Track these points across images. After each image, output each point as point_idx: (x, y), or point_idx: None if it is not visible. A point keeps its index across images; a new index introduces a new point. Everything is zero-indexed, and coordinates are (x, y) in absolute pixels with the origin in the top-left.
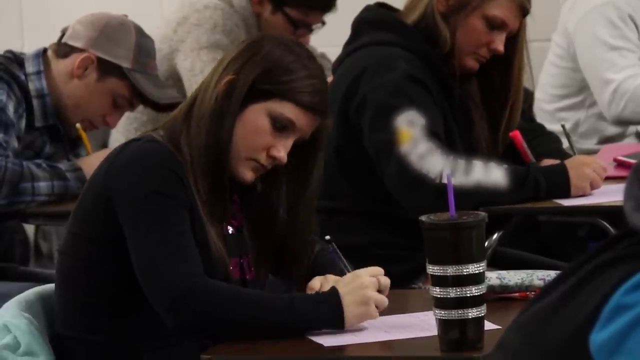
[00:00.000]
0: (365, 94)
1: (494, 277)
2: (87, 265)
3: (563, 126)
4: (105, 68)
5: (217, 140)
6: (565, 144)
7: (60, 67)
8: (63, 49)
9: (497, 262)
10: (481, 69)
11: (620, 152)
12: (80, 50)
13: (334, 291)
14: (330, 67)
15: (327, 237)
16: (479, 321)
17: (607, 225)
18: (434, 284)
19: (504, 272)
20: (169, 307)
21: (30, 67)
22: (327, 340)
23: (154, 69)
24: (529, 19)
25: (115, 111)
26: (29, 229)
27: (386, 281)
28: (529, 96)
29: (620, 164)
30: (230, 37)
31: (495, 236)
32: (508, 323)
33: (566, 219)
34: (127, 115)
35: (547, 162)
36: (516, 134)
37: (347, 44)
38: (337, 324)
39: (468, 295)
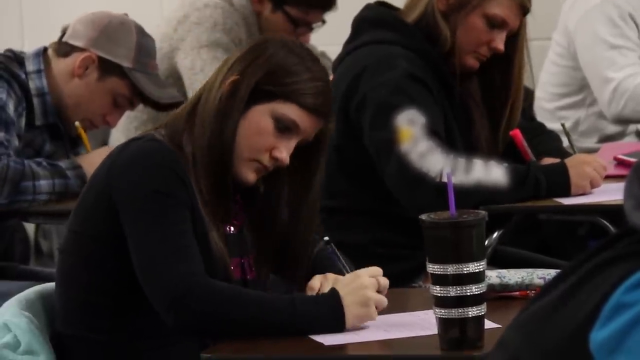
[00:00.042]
0: (366, 93)
1: (494, 275)
2: (88, 264)
3: (563, 125)
4: (106, 67)
5: (221, 140)
6: (565, 142)
7: (60, 66)
8: (64, 48)
9: (498, 261)
10: (481, 67)
11: (621, 151)
12: (81, 50)
13: (334, 292)
14: (330, 65)
15: (326, 238)
16: (479, 320)
17: (608, 224)
18: (434, 283)
19: (504, 271)
20: (169, 306)
21: (30, 66)
22: (327, 339)
23: (155, 69)
24: (529, 18)
25: (115, 110)
26: (29, 227)
27: (385, 282)
28: (529, 95)
29: (620, 163)
30: (231, 35)
31: (495, 235)
32: (508, 322)
33: (566, 217)
34: (128, 114)
35: (548, 160)
36: (516, 133)
37: (348, 42)
38: (338, 324)
39: (468, 294)
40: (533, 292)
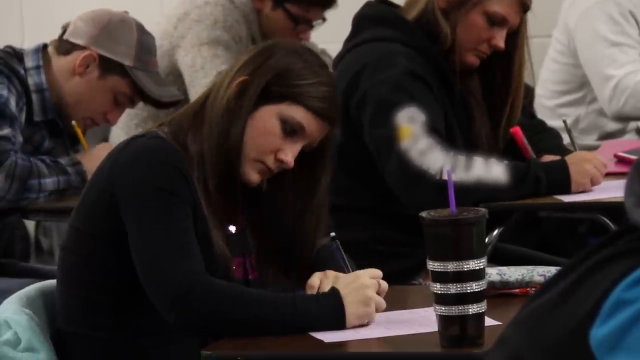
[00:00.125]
0: (366, 90)
1: (494, 273)
2: (90, 262)
3: (565, 122)
4: (107, 66)
5: (229, 139)
6: (565, 139)
7: (61, 63)
8: (64, 46)
9: (498, 258)
10: (482, 65)
11: (621, 148)
12: (82, 48)
13: (335, 291)
14: (330, 63)
15: (332, 234)
16: (479, 317)
17: (608, 221)
18: (435, 280)
19: (504, 268)
20: (170, 305)
21: (29, 62)
22: (328, 336)
23: (155, 66)
24: (529, 15)
25: (116, 108)
26: (30, 225)
27: (385, 285)
28: (529, 92)
29: (620, 160)
30: (231, 33)
31: (495, 232)
32: (508, 319)
33: (567, 215)
34: (128, 112)
35: (548, 158)
36: (517, 130)
37: (348, 40)
38: (339, 323)
39: (468, 291)
40: (533, 289)
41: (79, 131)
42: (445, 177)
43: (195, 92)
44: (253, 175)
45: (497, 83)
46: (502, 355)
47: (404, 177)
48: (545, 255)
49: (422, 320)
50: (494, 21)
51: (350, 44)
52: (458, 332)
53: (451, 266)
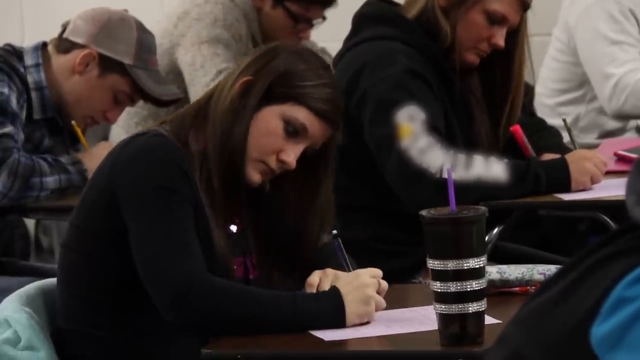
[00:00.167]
0: (366, 89)
1: (494, 271)
2: (90, 260)
3: (564, 120)
4: (107, 64)
5: (233, 138)
6: (565, 138)
7: (61, 62)
8: (64, 45)
9: (498, 257)
10: (482, 63)
11: (621, 147)
12: (82, 46)
13: (335, 290)
14: (330, 62)
15: (334, 232)
16: (479, 315)
17: (608, 220)
18: (435, 279)
19: (504, 267)
20: (171, 303)
21: (29, 60)
22: (327, 335)
23: (155, 65)
24: (529, 13)
25: (116, 107)
26: (30, 223)
27: (385, 285)
28: (529, 90)
29: (620, 159)
30: (231, 31)
31: (495, 230)
32: (508, 317)
33: (566, 213)
34: (128, 110)
35: (548, 156)
36: (517, 129)
37: (348, 38)
38: (339, 322)
39: (468, 289)
40: (533, 287)
41: (78, 131)
42: (445, 175)
43: (195, 90)
44: (255, 176)
45: (497, 81)
46: (503, 353)
47: (404, 176)
48: (545, 253)
49: (422, 319)
50: (494, 20)
51: (350, 42)
52: (458, 331)
53: (451, 264)
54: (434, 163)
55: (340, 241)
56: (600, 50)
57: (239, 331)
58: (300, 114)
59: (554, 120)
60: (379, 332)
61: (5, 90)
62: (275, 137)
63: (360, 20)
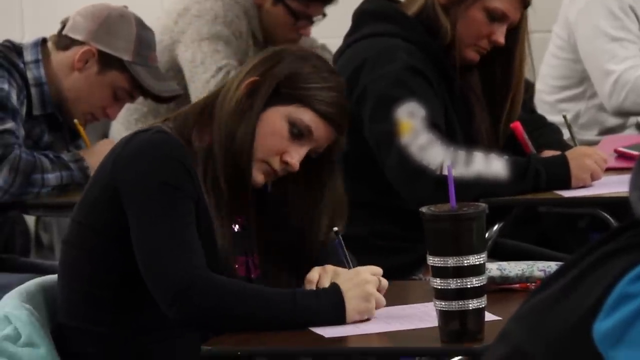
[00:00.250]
0: (366, 85)
1: (494, 268)
2: (92, 256)
3: (565, 117)
4: (106, 61)
5: (239, 139)
6: (566, 135)
7: (60, 59)
8: (63, 41)
9: (498, 254)
10: (482, 60)
11: (621, 143)
12: (81, 43)
13: (335, 287)
14: (331, 58)
15: (335, 229)
16: (479, 312)
17: (608, 217)
18: (435, 275)
19: (504, 263)
20: (171, 299)
21: (28, 56)
22: (328, 331)
23: (154, 61)
24: (529, 10)
25: (115, 103)
26: (30, 220)
27: (385, 283)
28: (529, 87)
29: (620, 155)
30: (231, 28)
31: (495, 227)
32: (508, 314)
33: (567, 210)
34: (128, 107)
35: (548, 153)
36: (517, 125)
37: (348, 35)
38: (339, 319)
39: (468, 286)
40: (533, 284)
41: (81, 129)
42: (445, 172)
43: (195, 87)
44: (258, 176)
45: (498, 78)
46: (504, 349)
47: (404, 173)
48: (545, 250)
49: (422, 316)
50: (494, 17)
51: (351, 39)
52: (458, 327)
53: (451, 261)
54: (434, 160)
55: (341, 238)
56: (601, 46)
57: (239, 328)
58: (306, 115)
59: (554, 117)
60: (379, 329)
61: (5, 86)
62: (280, 138)
63: (361, 16)
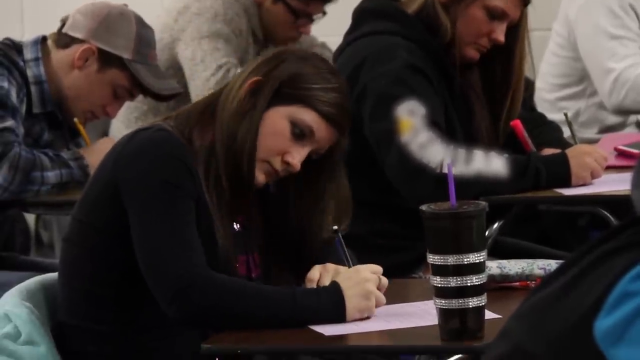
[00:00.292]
0: (366, 83)
1: (494, 266)
2: (93, 254)
3: (566, 115)
4: (106, 59)
5: (241, 138)
6: (566, 133)
7: (60, 57)
8: (63, 40)
9: (498, 252)
10: (482, 58)
11: (621, 142)
12: (81, 41)
13: (335, 285)
14: (330, 56)
15: (335, 227)
16: (479, 310)
17: (608, 215)
18: (435, 274)
19: (504, 262)
20: (171, 298)
21: (28, 54)
22: (328, 330)
23: (154, 59)
24: (529, 8)
25: (115, 101)
26: (30, 218)
27: (385, 281)
28: (529, 85)
29: (620, 153)
30: (231, 26)
31: (495, 225)
32: (509, 312)
33: (567, 208)
34: (128, 105)
35: (548, 151)
36: (517, 124)
37: (348, 33)
38: (339, 317)
39: (468, 284)
40: (533, 282)
41: (81, 128)
42: (445, 170)
43: (195, 85)
44: (259, 176)
45: (498, 77)
46: (504, 348)
47: (404, 171)
48: (545, 248)
49: (422, 314)
50: (494, 15)
51: (351, 37)
52: (458, 326)
53: (451, 259)
54: (434, 158)
55: (341, 236)
56: (601, 45)
57: (239, 326)
58: (308, 116)
59: (554, 115)
60: (379, 327)
61: (5, 84)
62: (282, 138)
63: (361, 14)
